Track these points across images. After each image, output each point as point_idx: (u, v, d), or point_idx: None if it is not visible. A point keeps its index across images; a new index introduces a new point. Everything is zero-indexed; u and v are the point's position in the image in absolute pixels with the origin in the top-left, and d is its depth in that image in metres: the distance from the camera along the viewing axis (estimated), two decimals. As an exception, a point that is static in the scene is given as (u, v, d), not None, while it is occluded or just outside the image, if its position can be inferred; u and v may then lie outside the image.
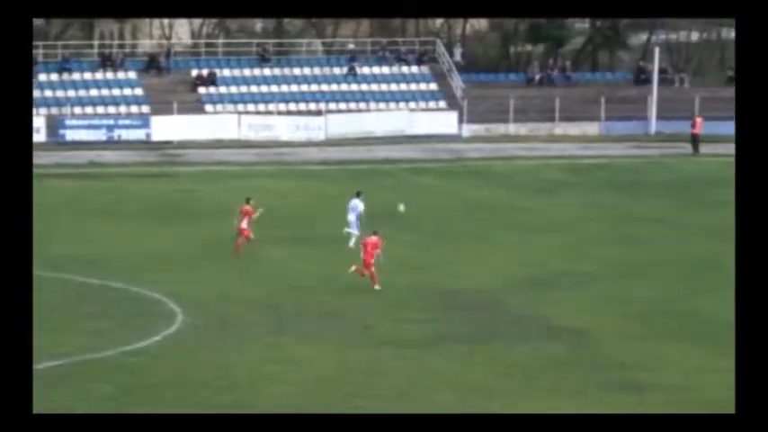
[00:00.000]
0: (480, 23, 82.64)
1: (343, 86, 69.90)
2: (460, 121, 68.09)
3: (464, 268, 38.44)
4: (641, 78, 72.39)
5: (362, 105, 69.22)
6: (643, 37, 79.47)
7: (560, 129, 69.01)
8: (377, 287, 35.44)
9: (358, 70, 70.51)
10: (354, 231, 40.82)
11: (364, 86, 70.16)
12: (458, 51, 74.39)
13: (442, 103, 69.95)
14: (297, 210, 47.23)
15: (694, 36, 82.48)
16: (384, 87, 70.46)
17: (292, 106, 68.42)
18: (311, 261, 39.39)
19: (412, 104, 69.70)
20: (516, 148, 64.55)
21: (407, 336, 31.38)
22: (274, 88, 69.13)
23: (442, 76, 71.32)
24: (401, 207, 42.60)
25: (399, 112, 68.55)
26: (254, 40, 74.35)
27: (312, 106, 68.41)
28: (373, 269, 35.61)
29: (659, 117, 69.42)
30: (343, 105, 68.95)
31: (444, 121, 68.02)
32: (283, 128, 66.40)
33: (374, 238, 36.04)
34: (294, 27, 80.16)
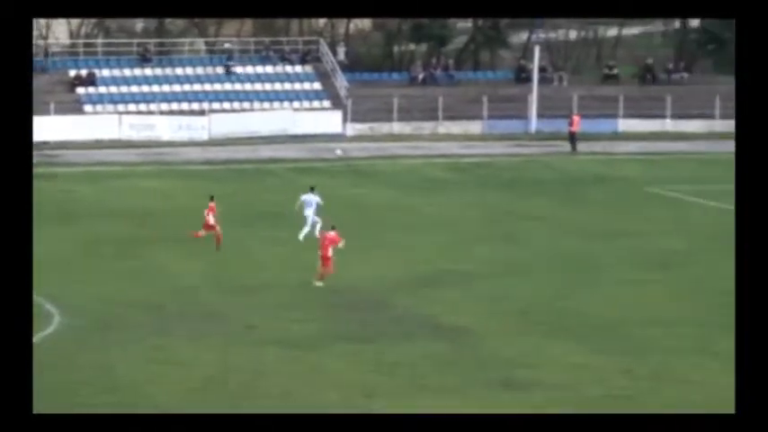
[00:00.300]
0: (364, 23, 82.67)
1: (227, 86, 69.49)
2: (344, 120, 68.12)
3: (349, 267, 38.40)
4: (522, 77, 73.07)
5: (246, 105, 68.88)
6: (524, 36, 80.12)
7: (443, 128, 69.40)
8: (318, 283, 35.61)
9: (241, 70, 70.15)
10: (316, 219, 41.56)
11: (248, 86, 69.82)
12: (341, 51, 74.37)
13: (326, 103, 69.91)
14: (180, 210, 46.80)
15: (572, 35, 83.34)
16: (268, 87, 70.19)
17: (174, 106, 67.85)
18: (195, 261, 39.10)
19: (296, 104, 69.53)
20: (400, 147, 64.75)
21: (292, 335, 31.29)
22: (156, 88, 68.48)
23: (326, 75, 71.26)
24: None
25: (283, 112, 68.36)
26: (135, 40, 73.54)
27: (195, 106, 67.92)
28: (327, 266, 35.70)
29: (539, 115, 70.16)
30: (226, 105, 68.55)
31: (328, 121, 67.99)
32: (165, 128, 65.80)
33: (332, 234, 36.07)
34: (176, 27, 79.38)
